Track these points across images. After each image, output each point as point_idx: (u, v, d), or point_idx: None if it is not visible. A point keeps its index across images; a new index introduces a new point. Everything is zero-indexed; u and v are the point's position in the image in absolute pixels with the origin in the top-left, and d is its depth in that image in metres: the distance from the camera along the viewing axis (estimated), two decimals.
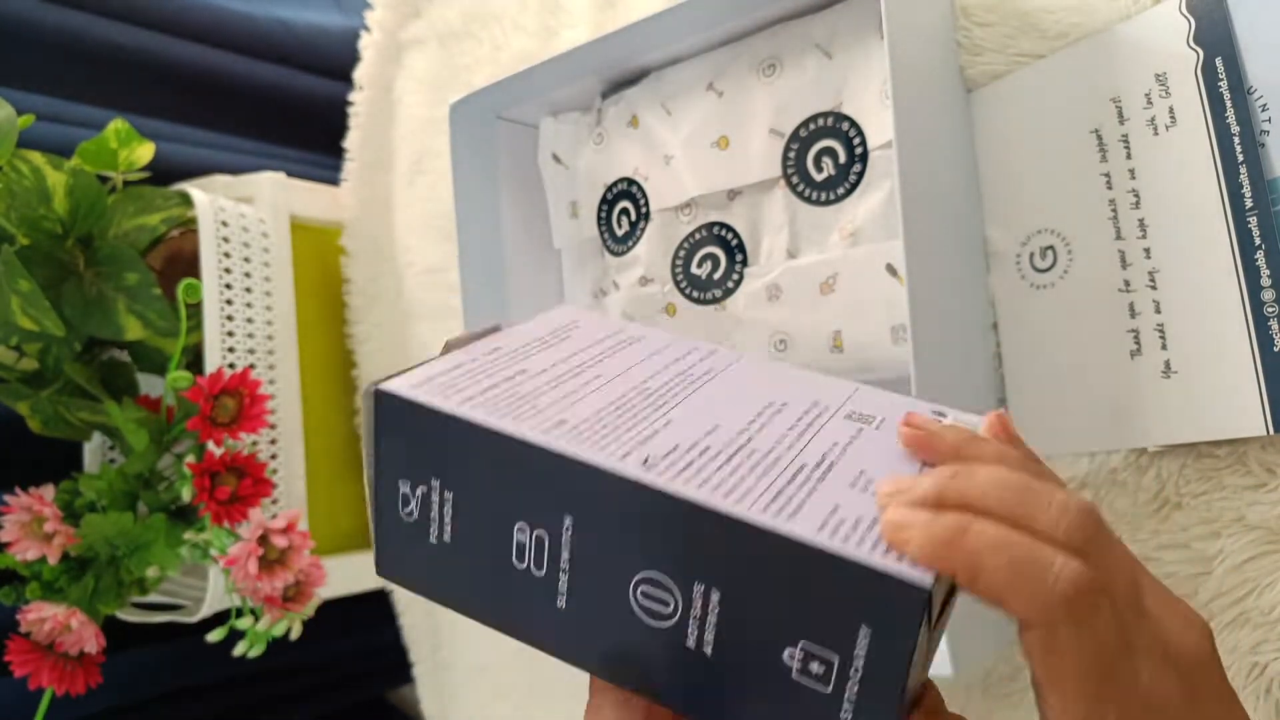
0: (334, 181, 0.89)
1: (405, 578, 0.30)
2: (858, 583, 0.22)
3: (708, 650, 0.25)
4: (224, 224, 0.73)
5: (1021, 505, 0.23)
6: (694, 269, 0.57)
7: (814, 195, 0.51)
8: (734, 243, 0.55)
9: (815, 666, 0.23)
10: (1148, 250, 0.43)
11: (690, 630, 0.25)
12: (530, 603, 0.27)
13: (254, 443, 0.70)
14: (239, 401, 0.62)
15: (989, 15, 0.49)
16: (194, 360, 0.70)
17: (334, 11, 1.04)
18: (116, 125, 0.67)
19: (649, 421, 0.27)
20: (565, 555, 0.26)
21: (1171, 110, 0.42)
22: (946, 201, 0.47)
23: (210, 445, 0.62)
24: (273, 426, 0.76)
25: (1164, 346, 0.42)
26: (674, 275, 0.57)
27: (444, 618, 0.83)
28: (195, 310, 0.68)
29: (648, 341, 0.33)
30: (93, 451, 0.77)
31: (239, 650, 0.62)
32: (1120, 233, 0.44)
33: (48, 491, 0.63)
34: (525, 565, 0.27)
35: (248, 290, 0.74)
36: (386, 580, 0.30)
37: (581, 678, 0.30)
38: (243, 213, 0.75)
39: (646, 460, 0.25)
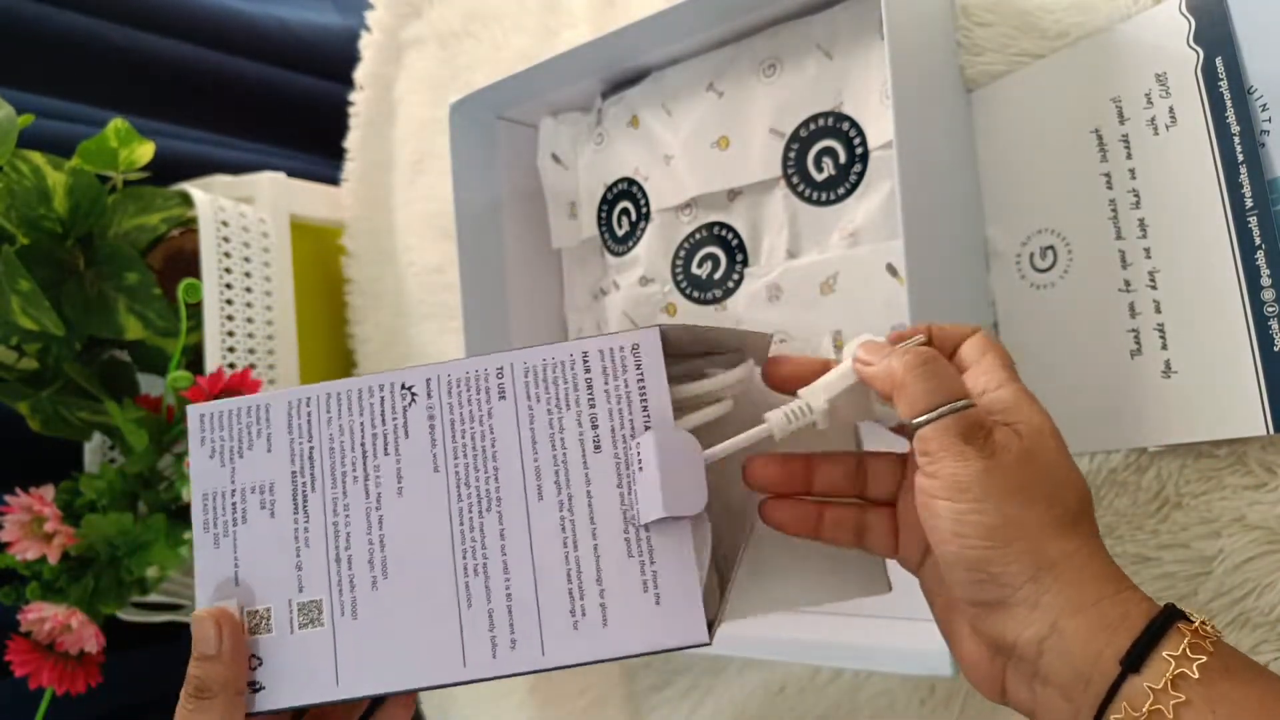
0: (334, 181, 0.89)
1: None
2: None
3: None
4: (224, 224, 0.73)
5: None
6: (694, 269, 0.57)
7: (814, 195, 0.51)
8: (734, 243, 0.55)
9: None
10: (1148, 250, 0.43)
11: None
12: None
13: None
14: None
15: (989, 15, 0.49)
16: (194, 360, 0.70)
17: (332, 11, 1.04)
18: (116, 125, 0.66)
19: None
20: None
21: (1171, 110, 0.42)
22: (946, 201, 0.47)
23: None
24: None
25: (1164, 346, 0.42)
26: (674, 275, 0.57)
27: None
28: (195, 310, 0.68)
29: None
30: (93, 451, 0.77)
31: None
32: (1120, 233, 0.44)
33: (48, 491, 0.63)
34: None
35: (248, 290, 0.74)
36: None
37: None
38: (243, 212, 0.75)
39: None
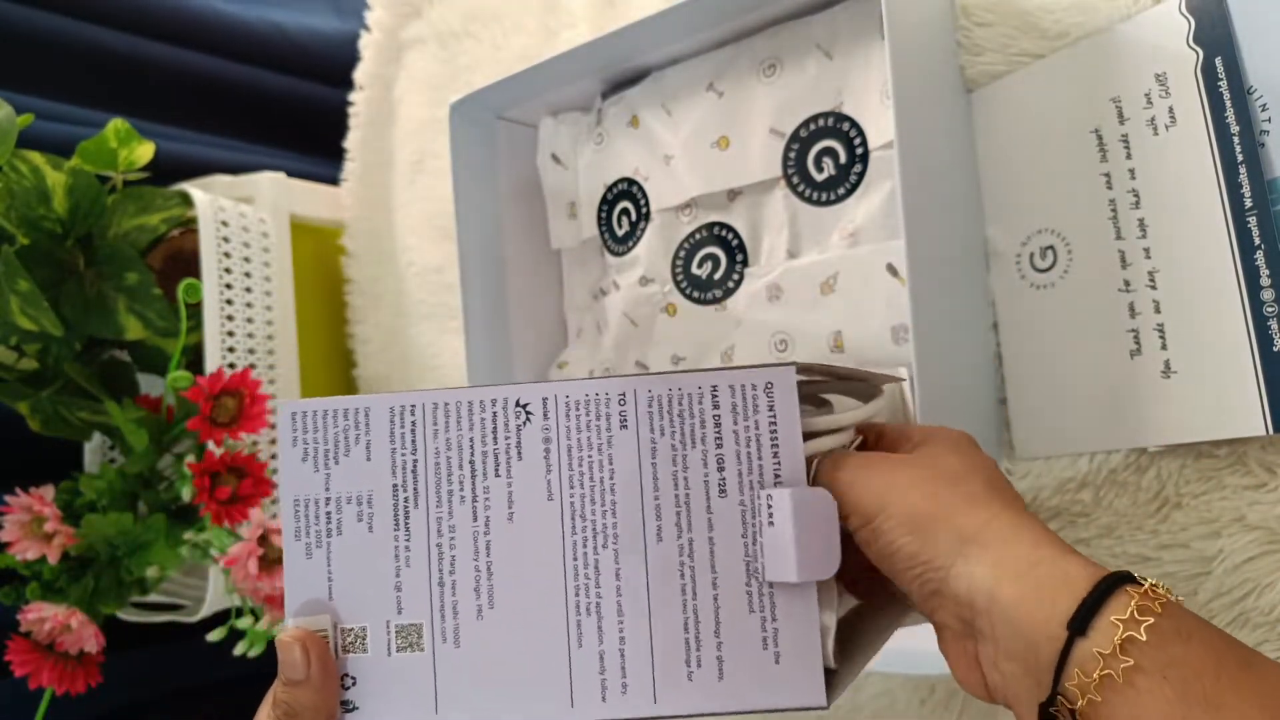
0: (334, 181, 0.89)
1: None
2: None
3: None
4: (224, 224, 0.73)
5: None
6: (694, 269, 0.57)
7: (814, 195, 0.51)
8: (734, 243, 0.55)
9: None
10: (1148, 250, 0.43)
11: None
12: None
13: (254, 443, 0.70)
14: (239, 401, 0.62)
15: (989, 15, 0.49)
16: (194, 360, 0.70)
17: (330, 15, 1.04)
18: (116, 125, 0.66)
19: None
20: None
21: (1171, 110, 0.42)
22: (946, 201, 0.47)
23: (210, 445, 0.62)
24: (273, 426, 0.76)
25: (1164, 346, 0.42)
26: (674, 275, 0.57)
27: None
28: (195, 310, 0.68)
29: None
30: (93, 451, 0.77)
31: (239, 650, 0.62)
32: (1120, 233, 0.44)
33: (48, 491, 0.63)
34: None
35: (248, 290, 0.75)
36: None
37: None
38: (243, 212, 0.75)
39: None
